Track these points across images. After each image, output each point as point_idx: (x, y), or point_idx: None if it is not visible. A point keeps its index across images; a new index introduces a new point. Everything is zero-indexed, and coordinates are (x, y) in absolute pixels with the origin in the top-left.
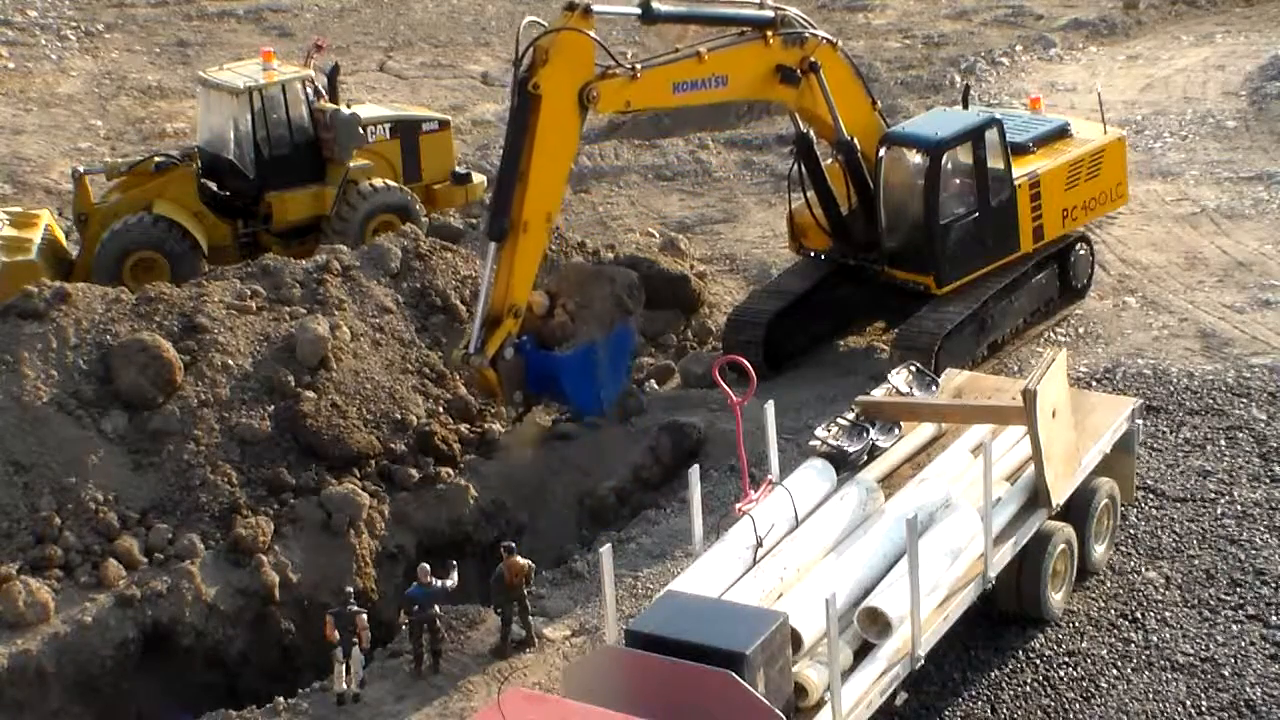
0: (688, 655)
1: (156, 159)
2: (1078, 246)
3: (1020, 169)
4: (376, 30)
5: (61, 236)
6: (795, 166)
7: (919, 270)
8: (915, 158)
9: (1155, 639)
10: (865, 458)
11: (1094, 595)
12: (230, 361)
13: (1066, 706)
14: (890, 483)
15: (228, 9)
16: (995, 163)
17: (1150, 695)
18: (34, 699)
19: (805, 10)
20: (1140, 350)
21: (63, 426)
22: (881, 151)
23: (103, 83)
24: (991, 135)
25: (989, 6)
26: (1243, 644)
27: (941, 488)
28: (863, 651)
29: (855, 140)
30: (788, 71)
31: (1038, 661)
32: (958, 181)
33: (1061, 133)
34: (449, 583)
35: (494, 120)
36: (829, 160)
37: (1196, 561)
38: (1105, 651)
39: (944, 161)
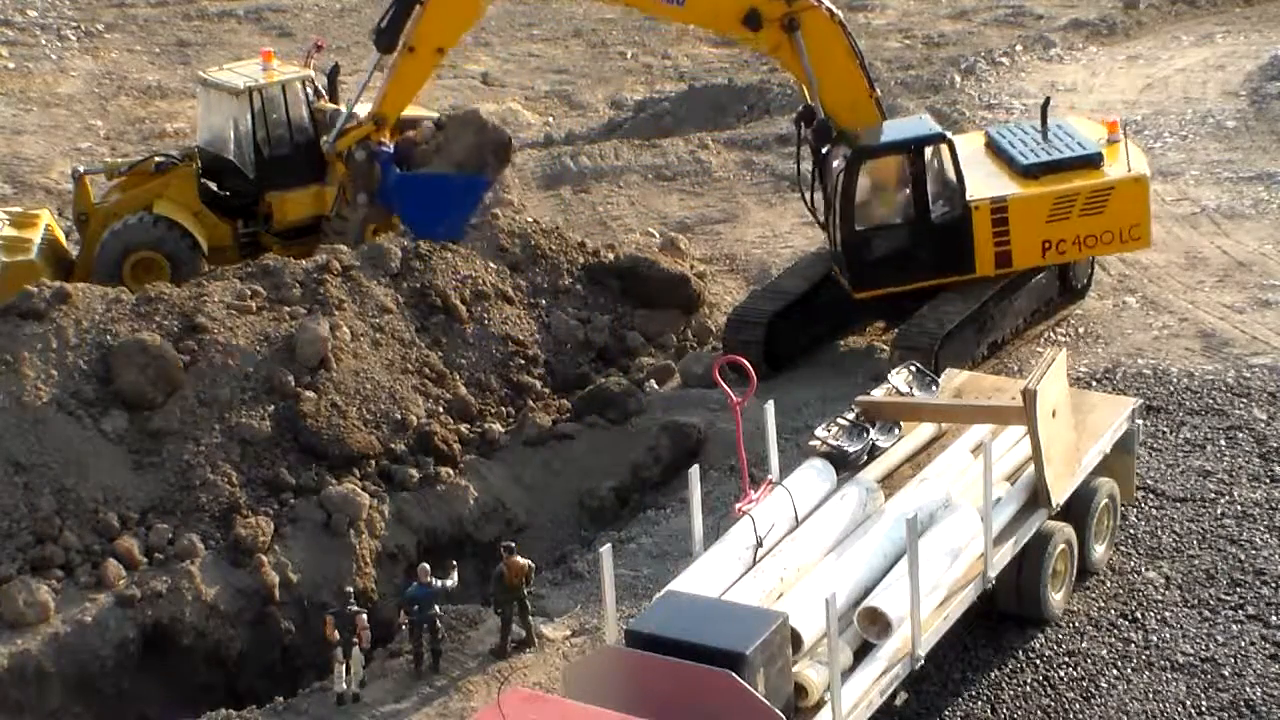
0: (688, 655)
1: (156, 159)
2: None
3: (990, 191)
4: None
5: (61, 236)
6: (798, 141)
7: (843, 272)
8: (837, 160)
9: (1155, 639)
10: (865, 458)
11: (1094, 595)
12: (230, 361)
13: (1066, 706)
14: (890, 483)
15: (228, 9)
16: (943, 179)
17: (1150, 695)
18: (34, 699)
19: None
20: (1140, 350)
21: (63, 426)
22: (826, 149)
23: (103, 83)
24: (935, 150)
25: (989, 6)
26: (1243, 644)
27: (941, 488)
28: (863, 651)
29: (832, 122)
30: (753, 15)
31: (1038, 661)
32: (890, 192)
33: (1085, 162)
34: (449, 583)
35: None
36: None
37: (1196, 561)
38: (1105, 651)
39: (861, 170)
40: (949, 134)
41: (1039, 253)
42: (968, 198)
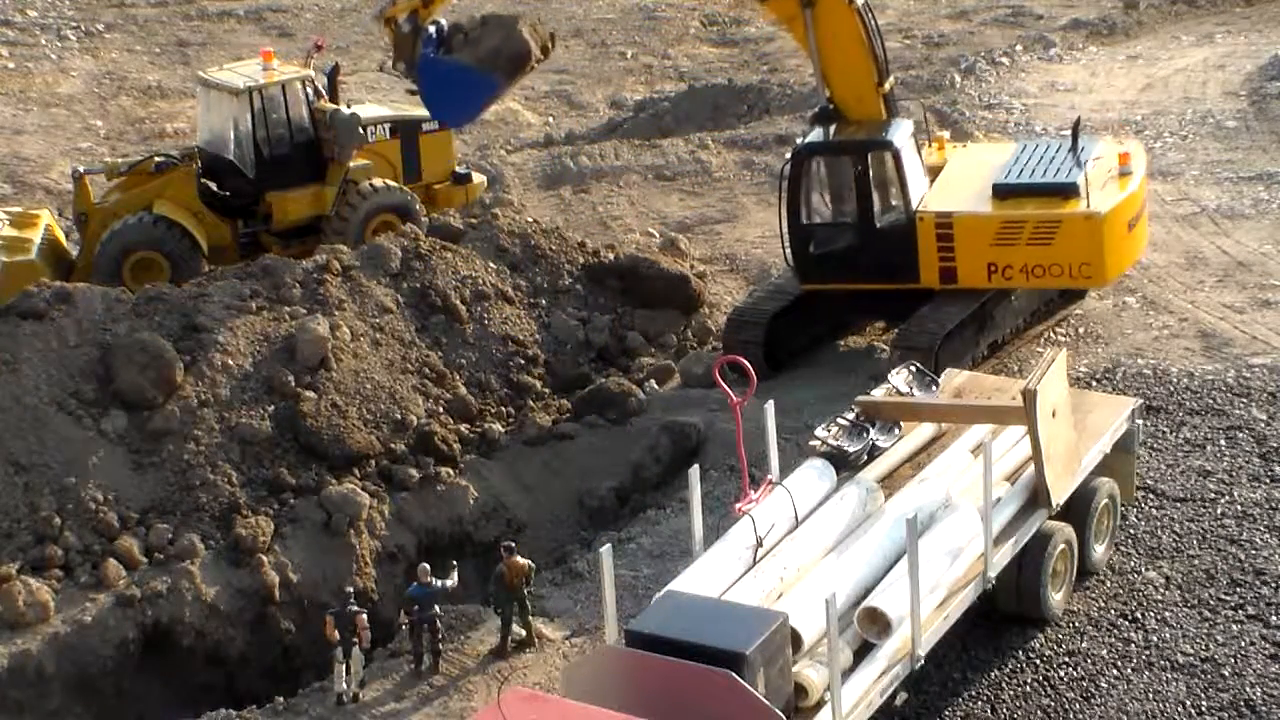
0: (688, 655)
1: (156, 159)
2: None
3: (965, 205)
4: (377, 30)
5: (61, 236)
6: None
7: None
8: (786, 154)
9: (1155, 639)
10: (865, 458)
11: (1094, 595)
12: (230, 361)
13: (1066, 706)
14: (890, 483)
15: (228, 9)
16: (889, 186)
17: (1150, 695)
18: (34, 699)
19: None
20: (1140, 350)
21: (63, 426)
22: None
23: (103, 83)
24: (879, 157)
25: (989, 6)
26: (1243, 644)
27: (941, 488)
28: (863, 651)
29: (836, 111)
30: None
31: (1038, 661)
32: (834, 192)
33: (1057, 190)
34: (449, 583)
35: (493, 120)
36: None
37: (1196, 561)
38: (1105, 651)
39: (805, 168)
40: (895, 142)
41: (984, 274)
42: (914, 208)
